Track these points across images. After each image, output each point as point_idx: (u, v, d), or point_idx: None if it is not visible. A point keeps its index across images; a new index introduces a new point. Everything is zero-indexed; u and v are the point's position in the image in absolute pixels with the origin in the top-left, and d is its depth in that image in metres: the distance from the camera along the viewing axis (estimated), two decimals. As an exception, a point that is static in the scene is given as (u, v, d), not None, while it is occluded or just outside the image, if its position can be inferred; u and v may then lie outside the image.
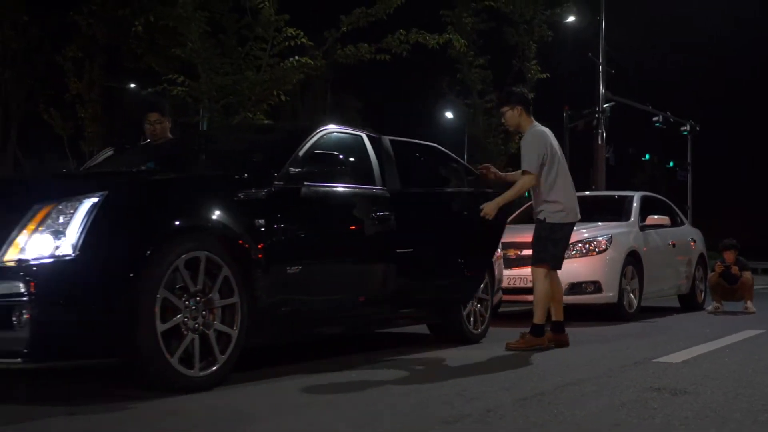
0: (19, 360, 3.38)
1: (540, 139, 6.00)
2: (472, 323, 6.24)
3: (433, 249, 5.53)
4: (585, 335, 7.03)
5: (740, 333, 7.24)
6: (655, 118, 32.03)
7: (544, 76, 18.42)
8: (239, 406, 3.58)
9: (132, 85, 22.67)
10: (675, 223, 10.92)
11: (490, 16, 17.12)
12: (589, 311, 9.01)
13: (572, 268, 8.56)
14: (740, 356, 5.52)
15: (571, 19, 20.13)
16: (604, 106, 21.33)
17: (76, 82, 22.01)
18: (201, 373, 3.80)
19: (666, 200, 11.60)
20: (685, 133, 36.07)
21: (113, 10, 17.87)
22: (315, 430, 3.16)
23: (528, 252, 6.62)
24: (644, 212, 10.11)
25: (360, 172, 5.25)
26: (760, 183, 59.96)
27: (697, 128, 36.01)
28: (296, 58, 10.15)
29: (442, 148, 6.46)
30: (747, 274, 10.82)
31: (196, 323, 3.77)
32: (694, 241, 11.27)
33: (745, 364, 5.08)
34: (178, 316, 3.69)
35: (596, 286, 8.76)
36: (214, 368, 3.86)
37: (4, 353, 3.41)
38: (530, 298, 6.46)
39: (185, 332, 3.72)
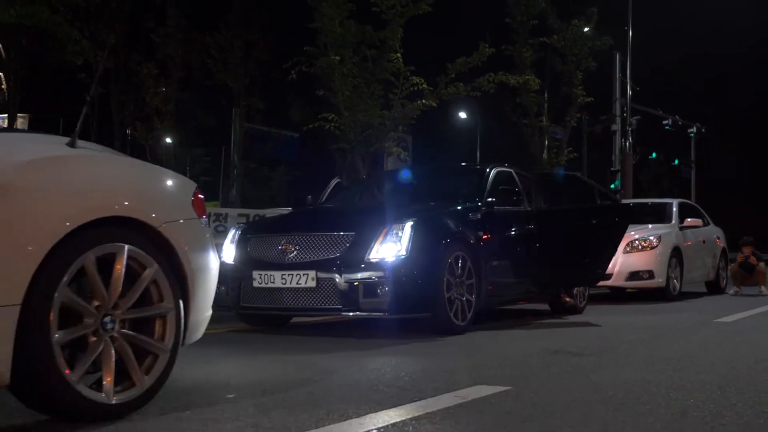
0: (382, 313, 6.09)
1: None
2: (578, 300, 8.96)
3: (566, 248, 8.19)
4: (651, 309, 9.76)
5: (762, 307, 9.95)
6: (665, 122, 34.69)
7: (590, 100, 21.27)
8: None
9: None
10: (704, 223, 13.64)
11: (540, 47, 19.97)
12: (642, 294, 11.79)
13: (631, 261, 11.39)
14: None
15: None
16: (632, 119, 24.11)
17: (155, 95, 24.67)
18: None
19: (696, 205, 14.34)
20: (692, 134, 38.67)
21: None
22: None
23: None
24: (681, 216, 12.85)
25: (513, 197, 7.94)
26: (763, 182, 62.62)
27: (703, 130, 38.62)
28: (423, 101, 13.03)
29: (580, 175, 9.08)
30: (762, 265, 13.56)
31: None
32: (719, 238, 14.01)
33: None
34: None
35: (650, 274, 11.49)
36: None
37: (371, 311, 6.12)
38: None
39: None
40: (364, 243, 6.22)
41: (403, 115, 13.21)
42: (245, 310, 6.67)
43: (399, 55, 13.02)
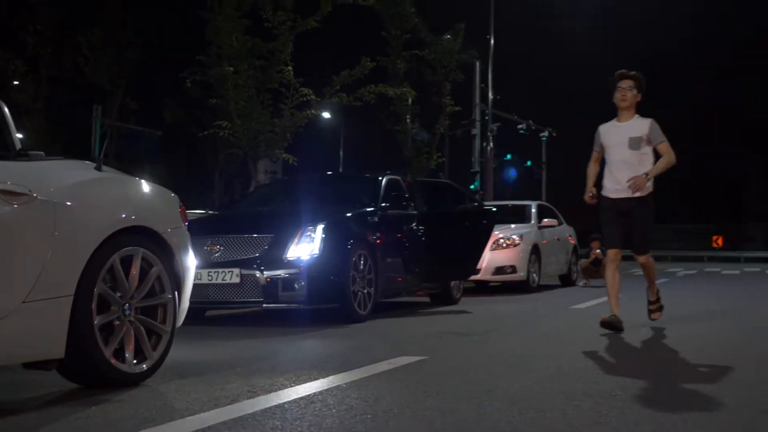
0: (298, 305, 7.04)
1: None
2: (455, 293, 10.16)
3: (446, 247, 9.37)
4: (516, 299, 11.11)
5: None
6: (519, 126, 36.99)
7: (458, 109, 22.80)
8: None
9: None
10: (559, 223, 15.24)
11: (412, 59, 21.31)
12: (506, 287, 13.20)
13: (496, 257, 12.75)
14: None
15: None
16: (493, 126, 25.91)
17: (22, 92, 24.38)
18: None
19: (551, 207, 15.95)
20: (544, 138, 41.27)
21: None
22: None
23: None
24: (540, 216, 14.37)
25: (403, 202, 9.05)
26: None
27: (554, 134, 41.30)
28: (312, 111, 13.99)
29: (452, 183, 10.29)
30: (605, 260, 15.31)
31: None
32: (571, 236, 15.66)
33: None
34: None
35: (513, 269, 12.89)
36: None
37: (289, 303, 7.05)
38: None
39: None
40: (282, 243, 7.15)
41: (292, 124, 14.17)
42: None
43: (290, 68, 13.97)
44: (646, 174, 6.35)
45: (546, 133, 40.52)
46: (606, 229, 6.68)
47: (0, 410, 3.40)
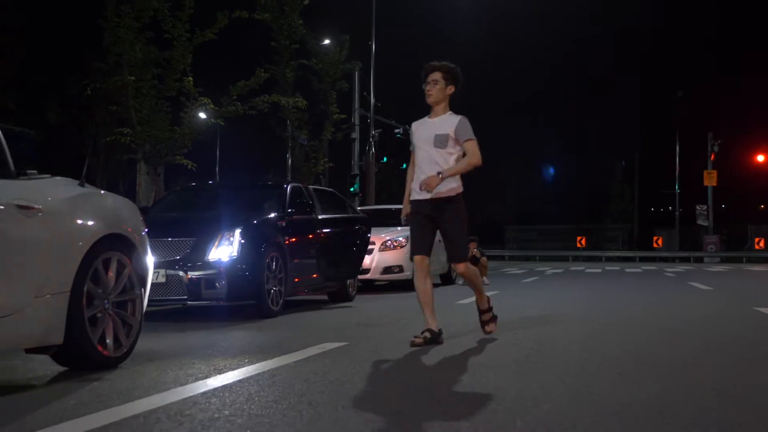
0: (219, 302, 7.77)
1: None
2: (351, 291, 11.07)
3: (340, 248, 10.28)
4: (405, 296, 12.12)
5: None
6: (396, 131, 38.32)
7: (344, 116, 23.78)
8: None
9: None
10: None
11: (300, 68, 22.14)
12: (391, 285, 14.21)
13: (385, 258, 13.75)
14: (496, 300, 10.86)
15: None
16: (375, 132, 27.04)
17: None
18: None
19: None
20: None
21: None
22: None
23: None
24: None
25: (306, 208, 9.90)
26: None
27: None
28: (213, 120, 14.60)
29: (335, 191, 11.23)
30: (484, 259, 16.58)
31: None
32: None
33: (500, 298, 10.39)
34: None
35: (400, 269, 13.91)
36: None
37: (211, 300, 7.77)
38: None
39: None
40: (203, 246, 7.89)
41: (191, 131, 14.77)
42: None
43: (190, 78, 14.56)
44: (440, 173, 5.69)
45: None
46: (411, 235, 6.09)
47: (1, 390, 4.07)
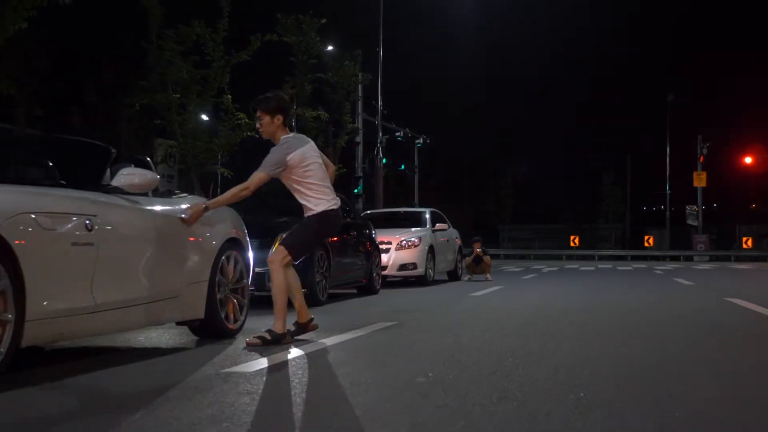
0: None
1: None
2: (377, 285, 12.65)
3: (364, 247, 11.84)
4: (422, 290, 13.72)
5: (492, 287, 14.28)
6: (397, 134, 39.94)
7: (356, 126, 25.47)
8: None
9: None
10: (448, 227, 18.02)
11: (316, 81, 23.89)
12: (405, 281, 15.84)
13: (401, 256, 15.34)
14: (504, 293, 12.47)
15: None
16: (383, 138, 28.74)
17: None
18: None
19: (441, 213, 18.71)
20: (419, 144, 44.38)
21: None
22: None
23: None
24: (433, 221, 17.08)
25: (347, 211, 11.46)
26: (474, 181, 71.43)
27: (428, 141, 44.47)
28: (249, 133, 16.27)
29: (344, 197, 12.84)
30: (487, 257, 18.20)
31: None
32: (457, 238, 18.48)
33: (505, 292, 11.99)
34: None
35: (414, 266, 15.51)
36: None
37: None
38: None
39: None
40: (265, 246, 9.44)
41: (228, 143, 16.41)
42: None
43: (229, 96, 16.19)
44: (206, 206, 5.76)
45: (421, 140, 43.71)
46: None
47: (144, 351, 5.64)
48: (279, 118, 5.95)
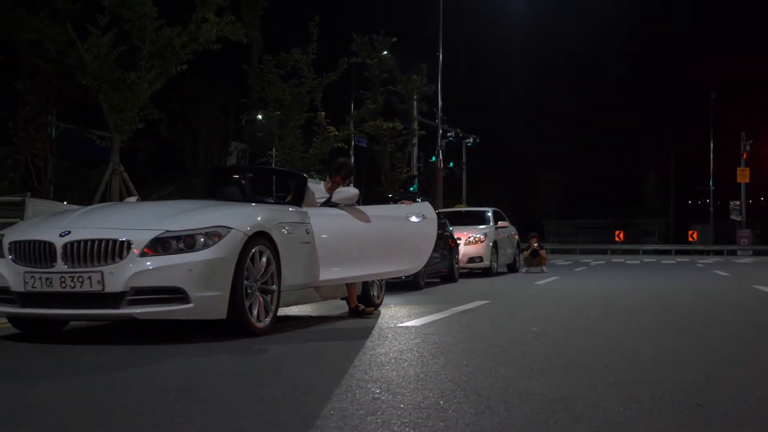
0: (402, 277, 11.62)
1: None
2: (456, 275, 14.85)
3: (442, 242, 14.05)
4: (489, 280, 15.90)
5: (550, 278, 16.38)
6: (448, 134, 42.06)
7: (423, 132, 27.88)
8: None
9: None
10: (508, 224, 20.16)
11: (386, 92, 26.37)
12: (472, 273, 18.04)
13: (469, 250, 17.53)
14: (562, 282, 14.60)
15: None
16: (442, 142, 31.03)
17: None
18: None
19: (501, 212, 20.88)
20: (469, 144, 46.40)
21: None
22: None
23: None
24: (495, 219, 19.24)
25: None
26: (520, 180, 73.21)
27: (478, 140, 46.48)
28: (339, 144, 18.70)
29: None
30: (543, 251, 20.32)
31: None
32: (516, 234, 20.62)
33: (564, 281, 14.11)
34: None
35: (481, 259, 17.68)
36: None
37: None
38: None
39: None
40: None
41: (320, 152, 18.84)
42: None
43: (323, 113, 18.63)
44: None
45: (471, 140, 45.79)
46: None
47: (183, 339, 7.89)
48: (336, 180, 7.74)
